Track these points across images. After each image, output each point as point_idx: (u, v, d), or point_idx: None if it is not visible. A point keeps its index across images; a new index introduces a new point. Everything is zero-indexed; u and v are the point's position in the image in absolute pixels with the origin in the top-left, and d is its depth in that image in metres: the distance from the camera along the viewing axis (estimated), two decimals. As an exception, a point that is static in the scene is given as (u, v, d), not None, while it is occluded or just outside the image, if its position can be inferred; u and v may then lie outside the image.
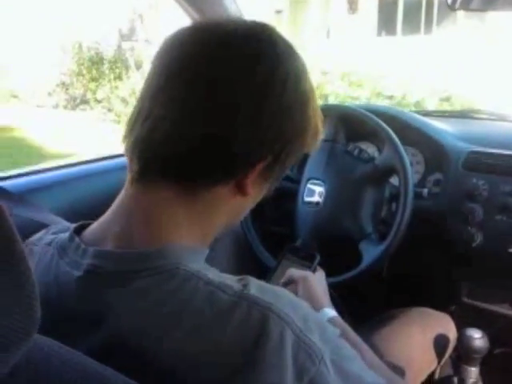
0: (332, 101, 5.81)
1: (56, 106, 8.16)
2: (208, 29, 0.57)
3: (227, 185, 0.57)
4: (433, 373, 1.17)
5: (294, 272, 0.92)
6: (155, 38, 7.52)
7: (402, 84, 6.13)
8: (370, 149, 1.42)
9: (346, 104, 1.25)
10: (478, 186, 1.21)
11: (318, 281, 0.93)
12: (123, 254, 0.53)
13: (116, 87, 7.38)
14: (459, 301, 1.36)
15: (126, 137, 0.57)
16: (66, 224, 0.73)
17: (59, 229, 0.67)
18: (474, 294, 1.34)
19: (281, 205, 1.38)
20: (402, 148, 1.12)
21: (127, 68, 7.56)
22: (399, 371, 1.05)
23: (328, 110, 1.25)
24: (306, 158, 1.33)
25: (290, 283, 0.91)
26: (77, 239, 0.58)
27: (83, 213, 1.09)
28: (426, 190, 1.23)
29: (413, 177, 1.12)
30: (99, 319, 0.52)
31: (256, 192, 0.61)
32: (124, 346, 0.50)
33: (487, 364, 1.15)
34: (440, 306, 1.40)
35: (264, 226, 1.39)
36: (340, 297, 1.50)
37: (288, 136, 0.57)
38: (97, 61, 7.97)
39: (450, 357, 1.19)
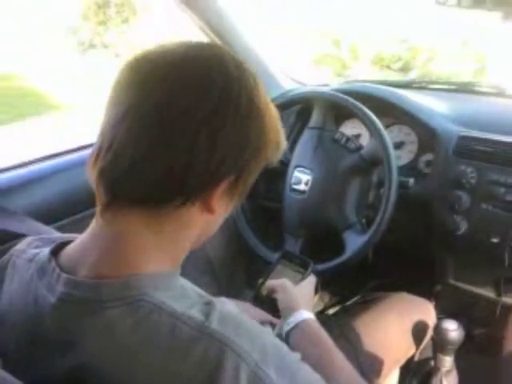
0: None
1: (63, 51, 8.03)
2: (158, 58, 0.58)
3: (193, 205, 0.58)
4: (413, 355, 1.21)
5: (272, 282, 0.99)
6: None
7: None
8: (363, 130, 1.41)
9: (333, 92, 1.22)
10: (466, 174, 1.20)
11: (303, 286, 0.98)
12: (92, 285, 0.55)
13: (123, 32, 7.26)
14: (445, 281, 1.38)
15: (91, 168, 0.58)
16: (48, 234, 0.75)
17: (43, 241, 0.69)
18: (459, 275, 1.36)
19: (271, 184, 1.39)
20: (388, 140, 1.11)
21: (134, 12, 7.39)
22: (376, 359, 1.10)
23: (315, 98, 1.24)
24: (295, 142, 1.33)
25: (272, 293, 0.97)
26: (53, 262, 0.60)
27: (61, 210, 1.12)
28: (412, 180, 1.23)
29: (397, 169, 1.12)
30: (69, 346, 0.55)
31: (222, 209, 0.62)
32: (89, 376, 0.53)
33: (466, 345, 1.19)
34: (426, 286, 1.44)
35: (254, 204, 1.41)
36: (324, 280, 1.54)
37: (246, 154, 0.58)
38: (103, 4, 7.78)
39: (432, 338, 1.23)
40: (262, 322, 1.11)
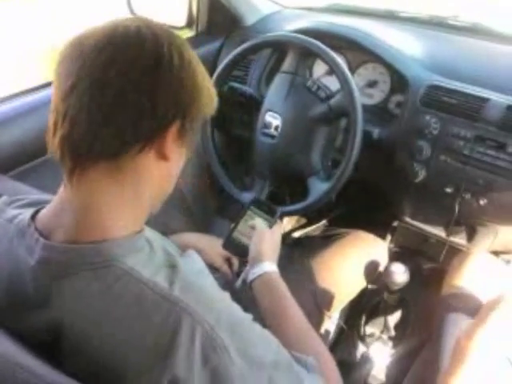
0: None
1: None
2: (93, 35, 0.63)
3: (149, 153, 0.65)
4: (364, 289, 1.35)
5: (257, 223, 1.12)
6: None
7: None
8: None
9: (307, 38, 1.19)
10: (429, 124, 1.24)
11: (272, 234, 1.09)
12: (67, 249, 0.63)
13: None
14: (401, 219, 1.49)
15: (51, 140, 0.64)
16: (25, 195, 0.79)
17: (21, 203, 0.75)
18: (414, 215, 1.46)
19: (243, 113, 1.41)
20: (356, 96, 1.13)
21: None
22: (330, 293, 1.23)
23: (289, 43, 1.23)
24: (268, 83, 1.34)
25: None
26: (32, 227, 0.66)
27: (15, 158, 1.13)
28: (376, 131, 1.27)
29: (363, 122, 1.15)
30: (46, 304, 0.63)
31: (176, 157, 0.70)
32: (63, 332, 0.62)
33: (415, 277, 1.32)
34: (385, 220, 1.55)
35: (225, 133, 1.46)
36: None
37: (185, 101, 0.66)
38: None
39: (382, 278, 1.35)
40: (227, 257, 1.23)
